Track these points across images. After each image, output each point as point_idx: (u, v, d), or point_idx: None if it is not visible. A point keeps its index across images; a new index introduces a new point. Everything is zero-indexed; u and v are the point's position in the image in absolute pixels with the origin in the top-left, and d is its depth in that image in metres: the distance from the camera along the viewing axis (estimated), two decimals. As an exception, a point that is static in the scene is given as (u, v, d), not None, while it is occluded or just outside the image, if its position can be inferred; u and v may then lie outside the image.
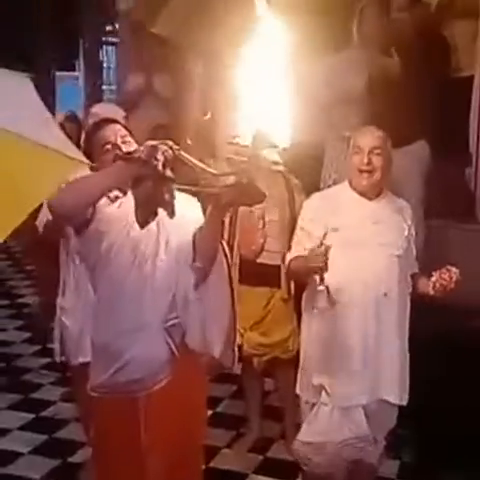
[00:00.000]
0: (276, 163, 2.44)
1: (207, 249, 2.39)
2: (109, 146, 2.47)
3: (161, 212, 2.33)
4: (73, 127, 6.12)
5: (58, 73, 12.36)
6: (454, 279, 2.97)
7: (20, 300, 6.81)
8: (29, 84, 2.00)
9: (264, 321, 3.83)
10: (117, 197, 2.43)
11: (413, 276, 3.15)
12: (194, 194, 2.48)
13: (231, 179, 2.25)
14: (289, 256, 3.19)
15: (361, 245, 2.99)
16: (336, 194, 3.19)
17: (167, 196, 2.27)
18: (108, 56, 12.28)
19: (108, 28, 11.33)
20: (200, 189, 2.44)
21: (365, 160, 3.02)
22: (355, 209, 3.07)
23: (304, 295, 3.21)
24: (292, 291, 3.76)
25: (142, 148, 2.21)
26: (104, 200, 2.38)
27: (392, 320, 3.04)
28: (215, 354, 2.45)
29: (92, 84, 11.48)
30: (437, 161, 4.43)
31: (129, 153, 2.28)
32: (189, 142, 4.26)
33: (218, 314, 2.45)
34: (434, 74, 4.24)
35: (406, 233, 3.11)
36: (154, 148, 2.18)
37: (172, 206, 2.27)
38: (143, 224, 2.36)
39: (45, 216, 3.42)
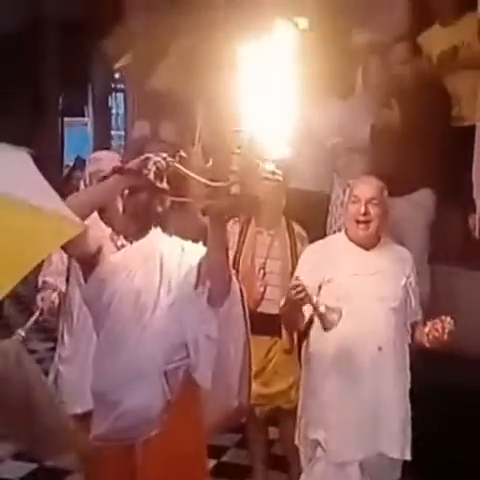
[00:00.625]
0: (273, 173, 2.38)
1: (214, 270, 2.34)
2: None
3: (165, 258, 2.34)
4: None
5: (67, 119, 12.54)
6: (447, 330, 2.87)
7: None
8: (29, 160, 2.05)
9: (265, 371, 3.79)
10: (123, 245, 2.47)
11: (413, 325, 3.09)
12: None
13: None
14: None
15: (356, 297, 2.93)
16: (332, 244, 3.16)
17: (160, 209, 2.30)
18: (117, 102, 12.45)
19: (117, 75, 11.53)
20: (194, 201, 2.43)
21: (362, 210, 3.00)
22: (351, 260, 3.02)
23: (303, 346, 3.18)
24: (295, 341, 3.74)
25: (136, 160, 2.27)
26: (111, 247, 2.43)
27: (389, 374, 2.96)
28: (232, 392, 2.48)
29: (101, 130, 11.63)
30: (441, 208, 4.47)
31: (122, 167, 2.34)
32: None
33: (233, 353, 2.48)
34: (436, 124, 4.29)
35: (403, 282, 3.05)
36: (146, 159, 2.24)
37: (165, 220, 2.29)
38: (134, 237, 2.40)
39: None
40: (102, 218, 2.64)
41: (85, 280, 2.48)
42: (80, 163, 10.47)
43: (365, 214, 2.99)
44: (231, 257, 3.75)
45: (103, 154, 3.96)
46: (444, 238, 4.61)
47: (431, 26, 5.02)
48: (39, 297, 3.57)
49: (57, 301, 3.56)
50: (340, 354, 2.91)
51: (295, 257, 3.73)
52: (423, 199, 4.40)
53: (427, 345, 2.94)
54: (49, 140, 8.58)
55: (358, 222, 3.01)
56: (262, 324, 3.71)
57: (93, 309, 2.52)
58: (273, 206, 3.83)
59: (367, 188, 3.07)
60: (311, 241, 4.66)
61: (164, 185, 2.29)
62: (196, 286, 2.38)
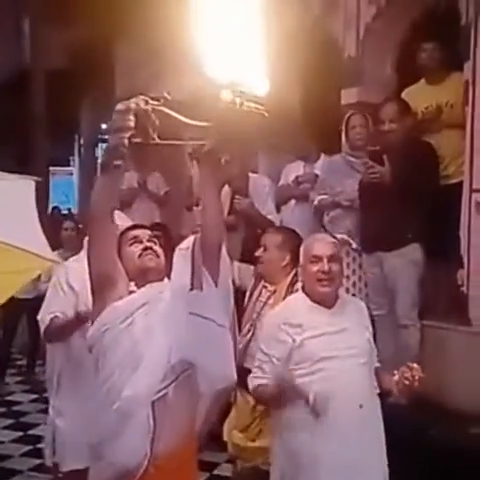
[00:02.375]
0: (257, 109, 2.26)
1: (208, 216, 2.37)
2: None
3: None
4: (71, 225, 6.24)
5: (52, 168, 12.59)
6: (417, 377, 2.82)
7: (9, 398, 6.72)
8: (31, 189, 2.08)
9: (250, 426, 3.72)
10: (131, 292, 2.50)
11: (376, 373, 3.03)
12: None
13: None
14: (253, 381, 3.07)
15: (328, 358, 2.87)
16: (293, 306, 3.08)
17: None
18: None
19: (104, 126, 11.64)
20: (184, 143, 2.38)
21: (326, 268, 2.95)
22: (316, 320, 2.95)
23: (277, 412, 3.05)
24: None
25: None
26: (123, 287, 2.47)
27: (371, 429, 2.91)
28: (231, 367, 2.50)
29: (87, 180, 11.66)
30: (430, 263, 4.53)
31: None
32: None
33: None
34: (425, 180, 4.38)
35: (367, 334, 3.03)
36: (127, 109, 2.20)
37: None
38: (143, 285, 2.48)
39: (46, 313, 3.45)
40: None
41: (93, 305, 2.51)
42: (57, 214, 10.53)
43: (328, 272, 2.96)
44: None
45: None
46: (433, 293, 4.66)
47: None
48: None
49: None
50: (323, 418, 2.84)
51: None
52: (412, 254, 4.46)
53: (397, 393, 2.93)
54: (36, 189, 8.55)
55: (320, 280, 2.97)
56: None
57: (94, 352, 2.51)
58: (273, 258, 3.76)
59: (327, 246, 3.04)
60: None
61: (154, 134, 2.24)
62: (191, 287, 2.39)
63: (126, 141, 2.23)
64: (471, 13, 4.51)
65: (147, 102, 2.22)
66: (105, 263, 2.44)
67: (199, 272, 2.38)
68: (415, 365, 2.88)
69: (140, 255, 2.59)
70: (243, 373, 3.65)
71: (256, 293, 3.76)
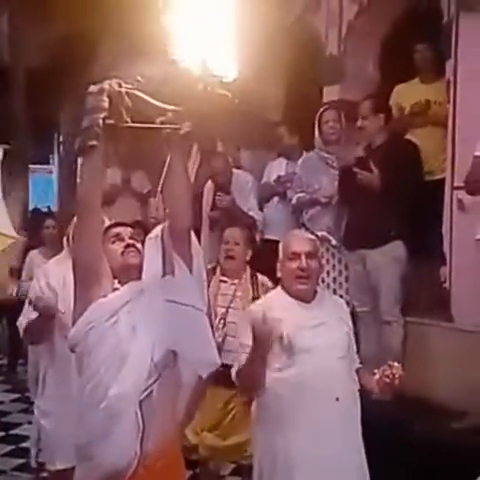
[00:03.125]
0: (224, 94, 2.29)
1: (177, 197, 2.40)
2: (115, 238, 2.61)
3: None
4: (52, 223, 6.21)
5: (32, 166, 12.49)
6: (397, 375, 2.83)
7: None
8: None
9: (222, 424, 3.75)
10: (115, 289, 2.49)
11: (357, 372, 3.03)
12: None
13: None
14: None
15: (306, 351, 2.88)
16: (272, 302, 3.05)
17: None
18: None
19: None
20: (158, 126, 2.33)
21: (304, 265, 2.96)
22: (294, 314, 2.96)
23: (254, 403, 3.05)
24: None
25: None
26: (108, 284, 2.46)
27: (347, 424, 2.91)
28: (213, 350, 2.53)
29: (66, 178, 11.59)
30: (413, 260, 4.55)
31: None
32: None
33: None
34: (407, 177, 4.40)
35: (346, 329, 3.04)
36: (100, 90, 2.21)
37: None
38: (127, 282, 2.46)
39: (26, 318, 3.41)
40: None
41: (74, 303, 2.46)
42: (37, 213, 10.45)
43: (306, 269, 2.97)
44: None
45: None
46: (416, 290, 4.68)
47: (396, 85, 5.20)
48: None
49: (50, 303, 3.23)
50: (299, 409, 2.84)
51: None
52: (395, 251, 4.48)
53: (377, 392, 2.93)
54: (16, 187, 8.49)
55: (298, 277, 2.98)
56: (220, 375, 3.70)
57: (78, 351, 2.47)
58: (240, 253, 3.86)
59: (305, 243, 3.05)
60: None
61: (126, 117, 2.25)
62: (163, 274, 2.40)
63: (100, 121, 2.23)
64: (452, 11, 4.54)
65: (120, 85, 2.24)
66: (92, 257, 2.42)
67: (171, 258, 2.39)
68: (396, 363, 2.89)
69: (122, 252, 2.56)
70: (218, 369, 3.68)
71: (213, 287, 3.80)
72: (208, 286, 3.77)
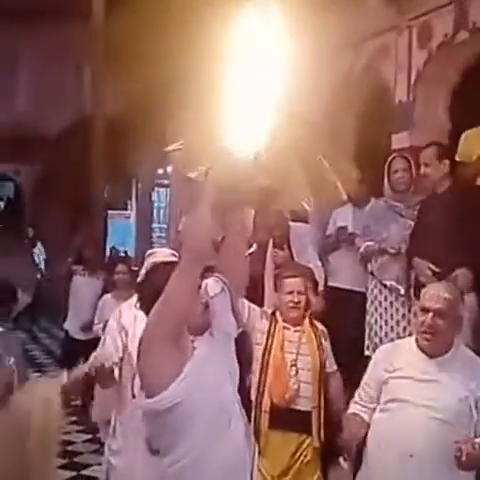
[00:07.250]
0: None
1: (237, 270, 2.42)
2: None
3: None
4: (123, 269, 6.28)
5: (110, 212, 12.88)
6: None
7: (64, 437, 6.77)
8: None
9: (291, 470, 3.72)
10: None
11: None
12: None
13: None
14: (352, 408, 3.12)
15: (403, 402, 2.89)
16: (400, 347, 3.15)
17: None
18: (159, 197, 12.79)
19: (160, 171, 11.90)
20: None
21: (428, 322, 2.95)
22: (409, 363, 2.99)
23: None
24: (322, 438, 3.69)
25: None
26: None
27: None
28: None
29: (143, 223, 11.90)
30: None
31: None
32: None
33: None
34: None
35: (465, 394, 2.89)
36: None
37: None
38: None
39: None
40: None
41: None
42: (115, 254, 10.72)
43: (431, 327, 2.95)
44: (261, 351, 3.82)
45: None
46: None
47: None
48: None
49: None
50: (370, 452, 2.89)
51: (321, 353, 3.78)
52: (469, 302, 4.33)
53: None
54: (93, 232, 8.79)
55: (423, 332, 2.98)
56: (293, 420, 3.71)
57: (156, 423, 2.24)
58: (304, 302, 3.94)
59: (436, 301, 2.99)
60: (348, 338, 4.75)
61: None
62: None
63: None
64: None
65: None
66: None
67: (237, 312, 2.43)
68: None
69: None
70: (289, 415, 3.70)
71: (278, 335, 3.82)
72: (273, 332, 3.87)
